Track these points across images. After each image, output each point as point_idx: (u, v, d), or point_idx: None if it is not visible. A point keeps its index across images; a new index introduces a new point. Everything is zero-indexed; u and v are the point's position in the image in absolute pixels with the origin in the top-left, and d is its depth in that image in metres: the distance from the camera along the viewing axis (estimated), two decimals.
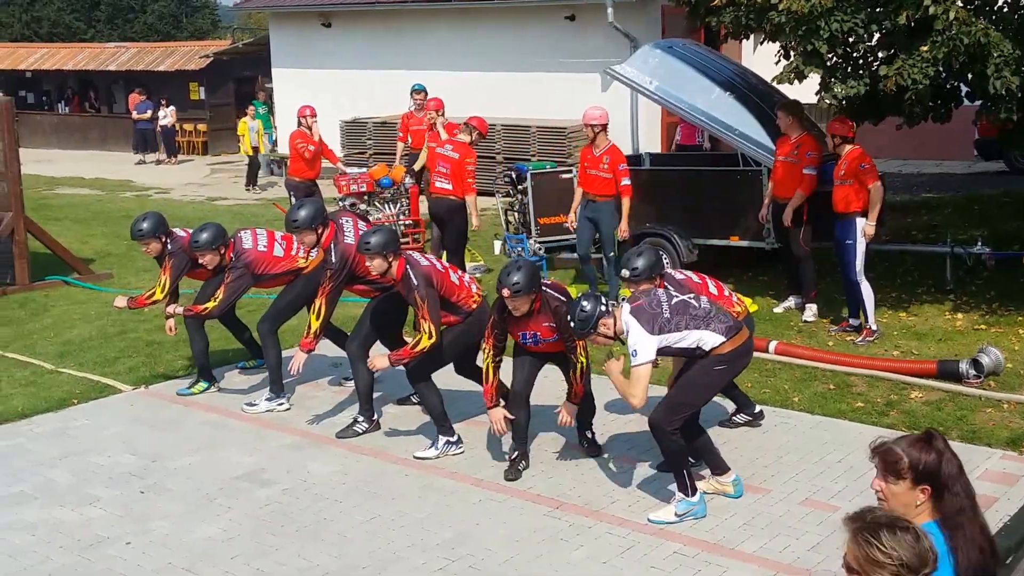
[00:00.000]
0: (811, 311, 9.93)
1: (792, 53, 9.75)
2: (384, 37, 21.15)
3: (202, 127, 28.23)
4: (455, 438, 7.21)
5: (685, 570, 5.54)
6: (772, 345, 8.91)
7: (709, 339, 5.98)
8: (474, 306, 7.18)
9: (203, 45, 30.58)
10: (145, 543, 6.07)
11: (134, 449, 7.50)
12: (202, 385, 8.59)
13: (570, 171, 12.77)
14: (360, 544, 5.97)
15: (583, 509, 6.29)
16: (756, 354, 8.77)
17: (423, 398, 7.32)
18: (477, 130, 11.59)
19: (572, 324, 6.07)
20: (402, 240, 13.71)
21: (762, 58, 13.61)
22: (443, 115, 13.10)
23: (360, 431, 7.58)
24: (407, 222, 13.95)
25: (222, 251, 8.20)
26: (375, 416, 7.70)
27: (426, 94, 14.02)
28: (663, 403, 6.09)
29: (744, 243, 10.95)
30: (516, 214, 13.06)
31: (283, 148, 21.48)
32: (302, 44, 22.60)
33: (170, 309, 8.39)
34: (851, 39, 9.29)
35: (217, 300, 8.14)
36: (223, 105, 28.41)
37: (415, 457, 7.16)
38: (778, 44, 10.03)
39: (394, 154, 18.70)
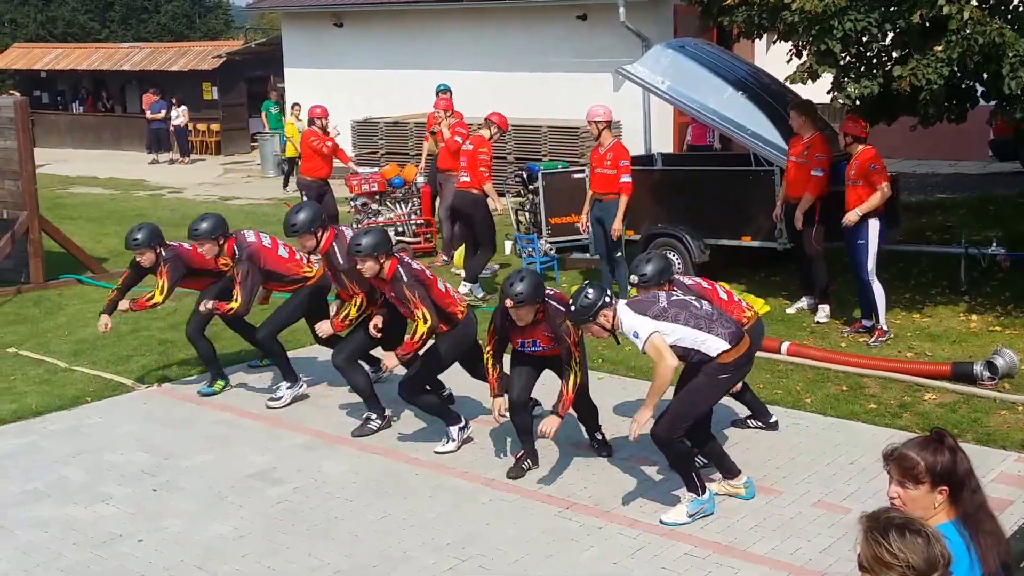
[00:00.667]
0: (823, 312, 9.90)
1: (805, 52, 9.73)
2: (396, 37, 21.16)
3: (215, 127, 28.30)
4: (463, 422, 7.27)
5: (696, 571, 5.53)
6: (784, 346, 8.88)
7: (713, 344, 5.96)
8: (460, 316, 7.20)
9: (216, 45, 30.65)
10: (157, 540, 6.09)
11: (147, 447, 7.52)
12: (220, 383, 8.61)
13: (582, 171, 12.75)
14: (371, 543, 5.97)
15: (594, 510, 6.28)
16: (769, 355, 8.79)
17: (420, 405, 7.33)
18: (496, 125, 11.66)
19: (573, 309, 6.06)
20: (413, 240, 13.78)
21: (775, 58, 13.58)
22: (451, 116, 13.12)
23: (375, 428, 7.61)
24: (418, 221, 13.96)
25: (221, 242, 8.19)
26: (386, 411, 7.72)
27: (451, 94, 14.03)
28: (665, 416, 6.05)
29: (756, 243, 10.92)
30: (527, 214, 13.07)
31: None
32: (314, 44, 22.63)
33: (204, 306, 8.23)
34: (865, 38, 9.25)
35: (238, 300, 8.11)
36: (236, 105, 28.49)
37: (436, 452, 7.19)
38: (790, 43, 10.00)
39: (406, 153, 18.87)
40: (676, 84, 11.07)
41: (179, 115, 26.53)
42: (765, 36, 11.23)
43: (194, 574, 5.70)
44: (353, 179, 13.97)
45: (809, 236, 9.84)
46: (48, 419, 8.16)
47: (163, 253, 8.42)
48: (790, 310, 10.23)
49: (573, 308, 6.07)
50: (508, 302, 6.44)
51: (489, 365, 6.85)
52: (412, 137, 19.36)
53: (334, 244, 7.67)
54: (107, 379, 9.02)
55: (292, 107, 21.21)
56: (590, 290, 6.04)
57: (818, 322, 9.83)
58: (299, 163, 14.93)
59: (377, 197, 13.93)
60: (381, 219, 13.82)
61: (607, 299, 6.00)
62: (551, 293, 6.76)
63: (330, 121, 14.13)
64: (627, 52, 16.47)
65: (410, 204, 14.00)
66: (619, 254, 10.52)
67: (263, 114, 25.14)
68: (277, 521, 6.29)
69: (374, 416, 7.65)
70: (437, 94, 14.12)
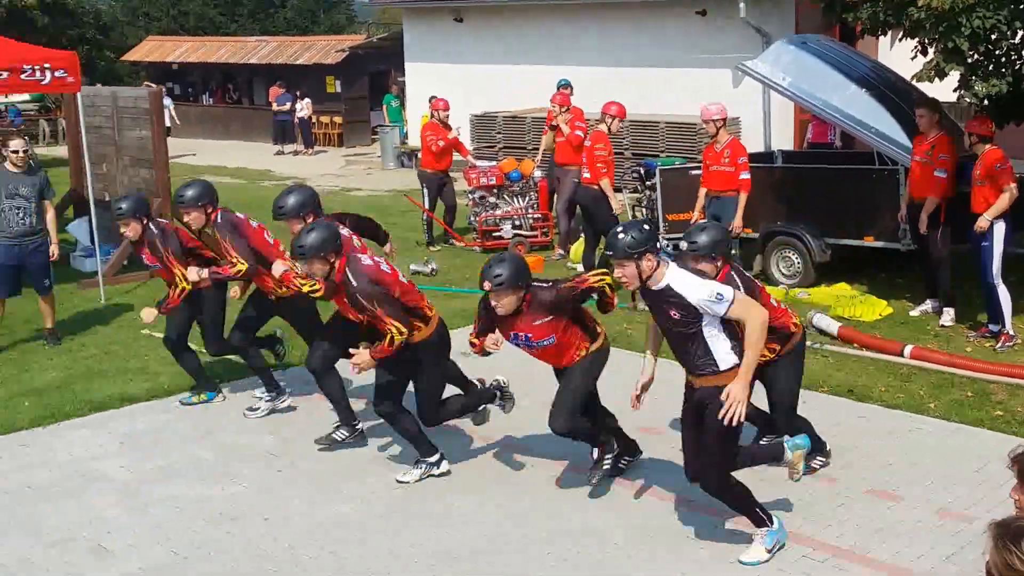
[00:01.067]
0: (949, 315, 9.69)
1: (931, 50, 9.53)
2: (515, 33, 21.32)
3: (337, 119, 28.86)
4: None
5: (814, 574, 5.50)
6: (908, 349, 8.74)
7: (727, 356, 5.39)
8: (430, 313, 6.64)
9: (339, 39, 31.21)
10: (281, 520, 6.31)
11: (273, 428, 7.79)
12: None
13: (700, 167, 12.71)
14: (487, 530, 6.09)
15: (710, 508, 6.25)
16: (892, 358, 8.65)
17: (449, 418, 6.98)
18: (613, 116, 11.72)
19: (619, 236, 5.34)
20: (530, 234, 13.90)
21: (898, 55, 13.30)
22: (567, 111, 13.19)
23: (339, 439, 7.29)
24: (535, 216, 14.08)
25: (208, 211, 7.76)
26: (357, 423, 7.38)
27: (571, 89, 14.11)
28: (708, 466, 5.60)
29: (880, 244, 10.74)
30: (644, 210, 13.07)
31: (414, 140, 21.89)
32: (435, 39, 22.93)
33: (194, 275, 7.85)
34: (993, 36, 9.04)
35: (237, 261, 7.54)
36: (358, 98, 28.99)
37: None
38: (915, 41, 9.80)
39: (524, 148, 19.01)
40: (798, 81, 10.95)
41: (303, 108, 27.14)
42: (889, 33, 11.03)
43: (316, 554, 5.90)
44: (471, 172, 14.16)
45: (935, 238, 9.65)
46: (180, 399, 8.48)
47: (151, 226, 7.99)
48: (914, 313, 10.04)
49: (621, 235, 5.33)
50: (486, 285, 5.85)
51: (473, 338, 6.32)
52: (530, 131, 19.49)
53: None
54: (237, 361, 9.29)
55: (430, 100, 21.37)
56: (645, 226, 5.40)
57: (943, 326, 9.63)
58: (419, 155, 15.17)
59: (495, 191, 14.09)
60: (499, 212, 13.99)
61: (659, 246, 5.44)
62: (541, 279, 6.26)
63: (450, 115, 14.34)
64: (747, 48, 16.34)
65: (527, 198, 14.12)
66: (733, 251, 10.44)
67: (384, 107, 25.61)
68: (397, 505, 6.46)
69: (343, 428, 7.25)
70: (558, 88, 14.20)
